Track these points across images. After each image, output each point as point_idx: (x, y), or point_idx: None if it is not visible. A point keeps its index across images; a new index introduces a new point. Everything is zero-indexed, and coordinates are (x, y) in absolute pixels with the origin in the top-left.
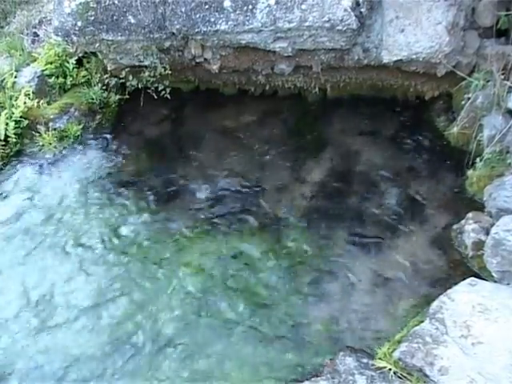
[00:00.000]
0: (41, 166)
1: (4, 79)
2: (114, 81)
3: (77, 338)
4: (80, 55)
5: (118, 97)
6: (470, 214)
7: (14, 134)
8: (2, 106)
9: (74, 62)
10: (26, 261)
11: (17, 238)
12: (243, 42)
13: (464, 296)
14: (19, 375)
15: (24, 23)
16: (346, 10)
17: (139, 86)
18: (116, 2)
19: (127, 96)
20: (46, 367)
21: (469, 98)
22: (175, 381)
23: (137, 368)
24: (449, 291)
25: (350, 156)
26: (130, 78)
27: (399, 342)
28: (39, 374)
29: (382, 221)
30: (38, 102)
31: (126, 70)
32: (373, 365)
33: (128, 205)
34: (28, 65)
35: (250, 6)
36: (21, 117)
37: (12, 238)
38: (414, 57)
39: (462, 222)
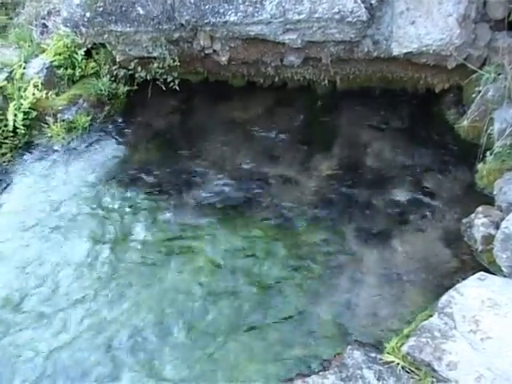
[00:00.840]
0: (49, 157)
1: (13, 70)
2: (122, 72)
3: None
4: (89, 46)
5: (126, 88)
6: (479, 208)
7: (23, 125)
8: (11, 98)
9: (83, 53)
10: (35, 251)
11: (25, 228)
12: (252, 33)
13: (473, 291)
14: None
15: (33, 14)
16: (355, 2)
17: (148, 78)
18: None
19: (136, 87)
20: None
21: (479, 91)
22: (182, 374)
23: (140, 359)
24: (458, 286)
25: (359, 148)
26: (139, 69)
27: (407, 336)
28: None
29: (391, 214)
30: (47, 93)
31: (135, 61)
32: (381, 359)
33: (135, 196)
34: (37, 56)
35: None
36: (29, 108)
37: (21, 229)
38: (424, 49)
39: (472, 215)
